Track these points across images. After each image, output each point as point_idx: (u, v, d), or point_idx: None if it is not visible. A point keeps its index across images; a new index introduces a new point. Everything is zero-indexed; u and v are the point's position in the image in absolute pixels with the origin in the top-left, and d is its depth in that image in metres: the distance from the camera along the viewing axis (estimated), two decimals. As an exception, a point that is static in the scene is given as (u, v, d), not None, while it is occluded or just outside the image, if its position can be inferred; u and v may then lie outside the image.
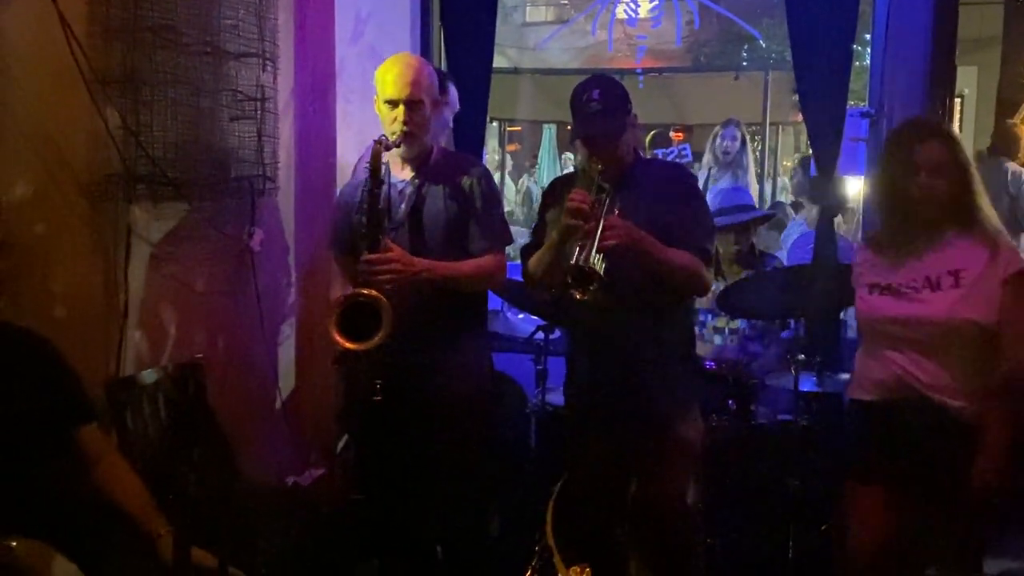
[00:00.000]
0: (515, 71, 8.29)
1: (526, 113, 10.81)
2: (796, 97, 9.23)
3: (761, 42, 7.98)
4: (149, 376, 3.04)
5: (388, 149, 2.86)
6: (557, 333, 4.04)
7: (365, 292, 2.71)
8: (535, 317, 4.03)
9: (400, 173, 3.03)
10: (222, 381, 3.37)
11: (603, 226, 2.62)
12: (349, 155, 4.12)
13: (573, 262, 2.60)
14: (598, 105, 2.80)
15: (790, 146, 10.64)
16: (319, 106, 3.97)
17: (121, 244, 2.94)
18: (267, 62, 3.53)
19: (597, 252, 2.59)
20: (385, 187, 2.88)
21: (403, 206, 2.97)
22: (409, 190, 2.99)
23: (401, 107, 2.90)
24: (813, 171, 4.37)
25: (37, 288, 2.69)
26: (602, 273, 2.58)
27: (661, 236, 2.74)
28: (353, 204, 3.07)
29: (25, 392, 2.26)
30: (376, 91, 2.98)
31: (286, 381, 3.93)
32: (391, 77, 2.93)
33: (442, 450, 2.98)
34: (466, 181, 3.00)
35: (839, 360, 3.90)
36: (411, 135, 2.92)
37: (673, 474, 2.93)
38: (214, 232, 3.36)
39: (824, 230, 4.23)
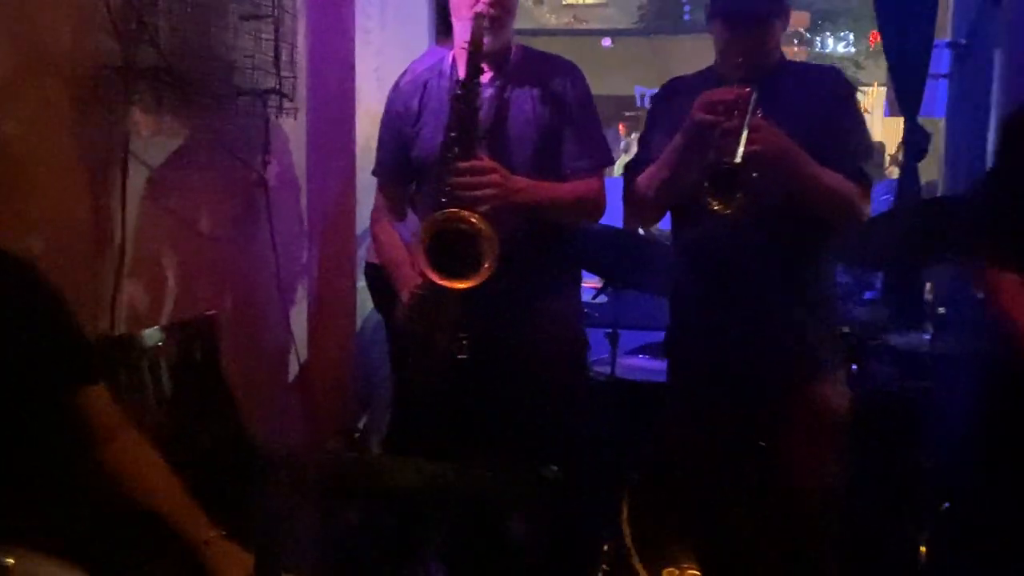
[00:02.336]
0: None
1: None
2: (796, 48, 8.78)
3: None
4: (152, 336, 2.36)
5: (491, 27, 2.22)
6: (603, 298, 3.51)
7: (462, 213, 2.08)
8: (595, 276, 3.44)
9: None
10: (231, 345, 2.71)
11: (749, 127, 2.08)
12: (367, 82, 3.48)
13: (715, 159, 2.06)
14: None
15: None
16: (334, 20, 3.30)
17: (116, 162, 2.25)
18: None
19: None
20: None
21: (483, 113, 2.34)
22: (489, 93, 2.35)
23: None
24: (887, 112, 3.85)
25: (10, 210, 1.99)
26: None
27: (809, 153, 2.20)
28: (410, 113, 2.43)
29: (8, 336, 1.58)
30: None
31: (299, 347, 3.25)
32: None
33: (529, 419, 2.37)
34: (559, 84, 2.39)
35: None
36: (498, 20, 2.28)
37: (815, 451, 2.36)
38: (224, 158, 2.68)
39: (909, 175, 3.71)
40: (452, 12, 2.37)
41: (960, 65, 3.82)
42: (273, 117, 2.84)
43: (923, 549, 2.80)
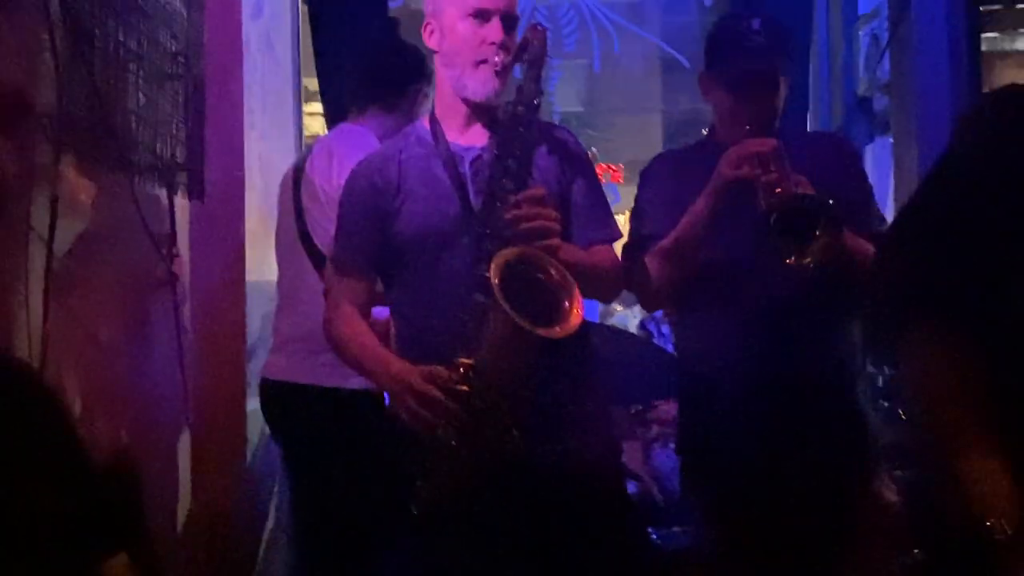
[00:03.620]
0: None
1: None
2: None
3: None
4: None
5: (501, 73, 1.87)
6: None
7: (529, 250, 1.70)
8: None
9: (463, 136, 1.99)
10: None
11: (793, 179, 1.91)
12: (250, 171, 2.96)
13: (773, 203, 1.87)
14: (762, 39, 2.08)
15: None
16: (222, 93, 2.76)
17: (37, 241, 1.63)
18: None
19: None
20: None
21: (484, 183, 1.94)
22: (489, 157, 1.94)
23: (497, 22, 1.90)
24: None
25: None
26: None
27: None
28: (388, 186, 1.96)
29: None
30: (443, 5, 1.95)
31: (183, 490, 2.58)
32: None
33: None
34: (559, 141, 2.04)
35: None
36: (506, 71, 1.92)
37: (879, 559, 2.12)
38: (129, 247, 2.08)
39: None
40: (442, 61, 1.97)
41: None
42: (181, 198, 2.28)
43: None
